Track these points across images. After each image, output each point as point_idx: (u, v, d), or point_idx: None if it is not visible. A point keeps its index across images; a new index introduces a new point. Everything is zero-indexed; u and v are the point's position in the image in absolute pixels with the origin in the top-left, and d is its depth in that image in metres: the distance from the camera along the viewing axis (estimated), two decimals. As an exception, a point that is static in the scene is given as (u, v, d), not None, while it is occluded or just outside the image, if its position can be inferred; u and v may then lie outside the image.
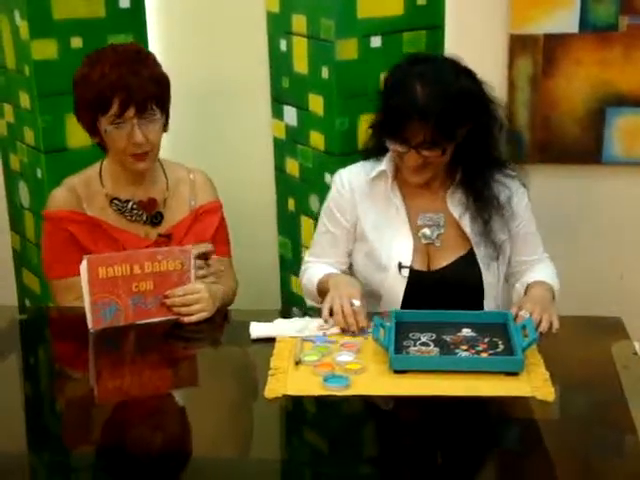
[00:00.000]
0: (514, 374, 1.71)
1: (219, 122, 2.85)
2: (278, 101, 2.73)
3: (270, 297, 2.85)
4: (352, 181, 2.15)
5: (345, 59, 2.45)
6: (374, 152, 2.15)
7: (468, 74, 2.02)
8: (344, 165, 2.23)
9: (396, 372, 1.72)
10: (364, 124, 2.43)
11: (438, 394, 1.66)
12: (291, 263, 2.80)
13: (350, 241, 2.18)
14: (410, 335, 1.85)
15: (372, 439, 1.66)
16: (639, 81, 2.53)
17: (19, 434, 1.65)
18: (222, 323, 2.08)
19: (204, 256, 2.08)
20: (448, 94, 1.95)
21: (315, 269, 2.18)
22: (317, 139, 2.58)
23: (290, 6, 2.57)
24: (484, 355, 1.77)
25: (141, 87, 2.01)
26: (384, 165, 2.11)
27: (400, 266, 2.09)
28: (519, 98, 2.60)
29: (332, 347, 1.84)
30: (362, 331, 1.90)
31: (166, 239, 2.14)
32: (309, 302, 2.23)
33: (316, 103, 2.55)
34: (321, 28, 2.45)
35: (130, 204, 2.15)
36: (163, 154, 2.20)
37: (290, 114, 2.68)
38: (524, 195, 2.15)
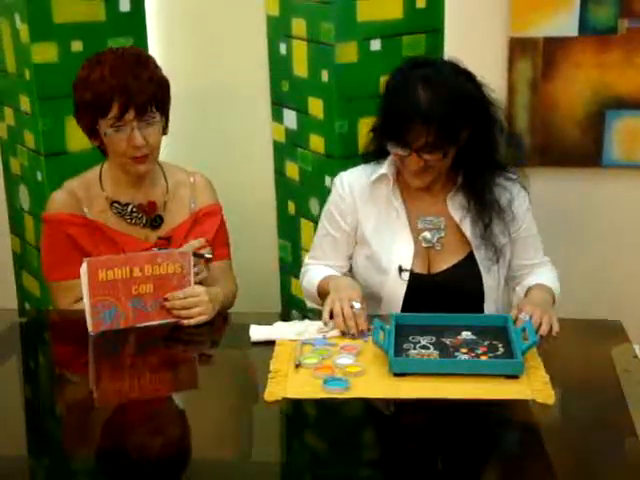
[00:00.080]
0: (514, 377, 1.71)
1: (219, 125, 2.86)
2: (278, 104, 2.73)
3: (270, 300, 2.85)
4: (353, 184, 2.15)
5: (345, 62, 2.45)
6: (375, 155, 2.15)
7: (468, 76, 2.02)
8: (344, 168, 2.23)
9: (396, 375, 1.72)
10: (364, 127, 2.43)
11: (438, 397, 1.66)
12: (291, 266, 2.80)
13: (350, 244, 2.18)
14: (410, 338, 1.85)
15: (372, 442, 1.65)
16: (639, 84, 2.54)
17: (19, 437, 1.64)
18: (222, 326, 2.08)
19: (202, 256, 2.07)
20: (450, 97, 1.95)
21: (315, 271, 2.18)
22: (317, 142, 2.59)
23: (290, 9, 2.57)
24: (484, 358, 1.77)
25: (141, 90, 2.01)
26: (385, 168, 2.11)
27: (400, 269, 2.09)
28: (519, 101, 2.61)
29: (332, 350, 1.84)
30: (362, 334, 1.90)
31: (165, 242, 2.14)
32: (309, 304, 2.23)
33: (316, 106, 2.55)
34: (321, 31, 2.46)
35: (130, 207, 2.15)
36: (163, 157, 2.20)
37: (290, 117, 2.68)
38: (525, 199, 2.15)
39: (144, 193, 2.17)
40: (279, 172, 2.81)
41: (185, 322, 1.99)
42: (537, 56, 2.56)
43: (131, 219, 2.15)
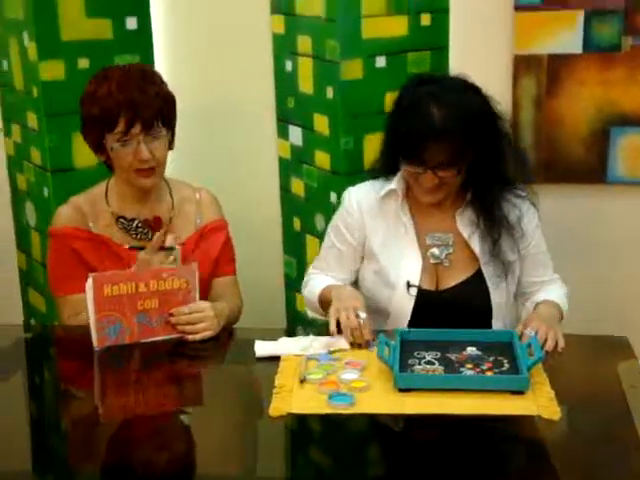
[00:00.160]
0: (519, 393, 1.70)
1: (225, 141, 2.87)
2: (283, 121, 2.74)
3: (275, 316, 2.85)
4: (361, 201, 2.15)
5: (350, 79, 2.46)
6: (383, 172, 2.15)
7: (476, 91, 2.02)
8: (349, 185, 2.23)
9: (401, 390, 1.72)
10: (369, 144, 2.44)
11: (443, 413, 1.66)
12: (296, 282, 2.80)
13: (356, 259, 2.18)
14: (415, 353, 1.85)
15: (377, 457, 1.65)
16: (643, 101, 2.55)
17: (24, 453, 1.64)
18: (227, 341, 2.08)
19: (169, 249, 2.05)
20: (463, 114, 1.95)
21: (317, 280, 2.18)
22: (322, 159, 2.59)
23: (295, 27, 2.59)
24: (489, 374, 1.77)
25: (147, 104, 2.03)
26: (394, 184, 2.11)
27: (408, 285, 2.09)
28: (524, 118, 2.62)
29: (337, 365, 1.84)
30: (368, 344, 1.90)
31: (170, 251, 2.13)
32: (310, 314, 2.23)
33: (321, 123, 2.56)
34: (326, 49, 2.47)
35: (135, 222, 2.16)
36: (169, 172, 2.21)
37: (295, 134, 2.69)
38: (534, 216, 2.14)
39: (150, 209, 2.18)
40: (284, 188, 2.82)
41: (190, 337, 1.99)
42: (541, 73, 2.57)
43: (136, 234, 2.16)
